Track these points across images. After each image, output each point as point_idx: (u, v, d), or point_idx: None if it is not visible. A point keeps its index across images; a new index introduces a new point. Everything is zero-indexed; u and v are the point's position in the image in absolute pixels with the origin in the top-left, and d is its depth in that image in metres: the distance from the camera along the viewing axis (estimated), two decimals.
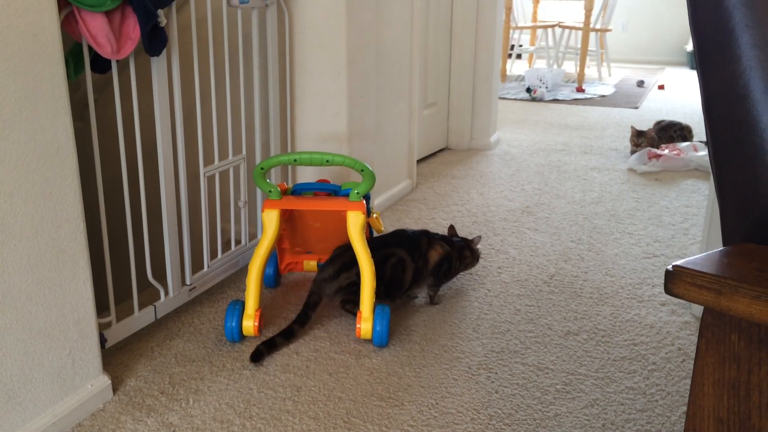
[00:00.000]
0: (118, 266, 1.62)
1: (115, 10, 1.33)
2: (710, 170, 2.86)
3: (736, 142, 0.55)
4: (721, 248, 0.55)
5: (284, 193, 1.74)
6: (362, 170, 1.62)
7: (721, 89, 0.55)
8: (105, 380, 1.41)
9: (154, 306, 1.65)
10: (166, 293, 1.68)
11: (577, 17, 6.63)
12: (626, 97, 5.38)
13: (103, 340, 1.44)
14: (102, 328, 1.46)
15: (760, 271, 0.49)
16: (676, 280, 0.51)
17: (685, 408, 1.41)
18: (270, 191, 1.67)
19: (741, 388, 0.49)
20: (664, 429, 1.35)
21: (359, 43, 2.22)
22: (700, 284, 0.49)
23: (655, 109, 4.96)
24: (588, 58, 6.05)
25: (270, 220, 1.65)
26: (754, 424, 0.49)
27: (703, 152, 3.33)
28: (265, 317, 1.76)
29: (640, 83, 6.08)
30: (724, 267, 0.50)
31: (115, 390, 1.45)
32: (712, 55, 0.56)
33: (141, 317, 1.61)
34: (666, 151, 3.28)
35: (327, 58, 2.15)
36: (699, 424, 0.52)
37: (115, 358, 1.57)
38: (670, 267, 0.52)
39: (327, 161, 1.60)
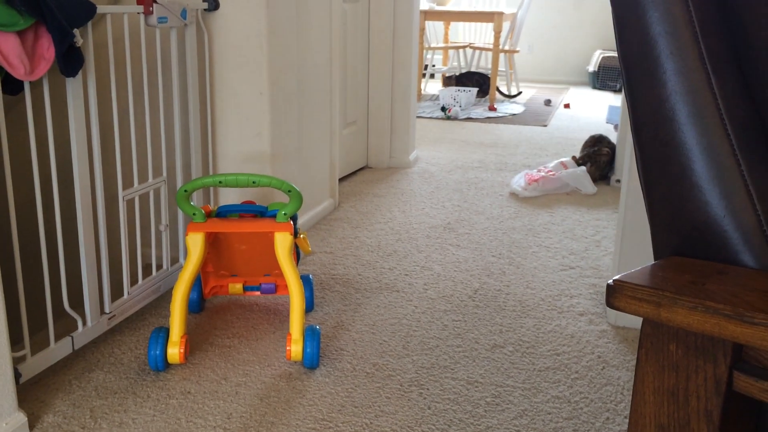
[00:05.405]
0: (33, 295, 1.54)
1: (28, 30, 1.28)
2: (587, 190, 3.05)
3: (664, 161, 0.59)
4: (654, 262, 0.59)
5: (209, 215, 1.70)
6: (289, 191, 1.61)
7: (649, 112, 0.59)
8: (21, 418, 1.33)
9: (72, 337, 1.57)
10: (84, 323, 1.61)
11: (486, 38, 6.86)
12: (535, 116, 5.59)
13: (17, 375, 1.36)
14: (16, 362, 1.38)
15: (693, 284, 0.53)
16: (617, 294, 0.54)
17: (608, 414, 1.47)
18: (194, 214, 1.63)
19: (680, 395, 0.53)
20: None
21: (281, 63, 2.21)
22: (641, 297, 0.52)
23: (562, 126, 5.17)
24: (498, 77, 6.26)
25: (195, 244, 1.61)
26: (693, 429, 0.52)
27: (572, 169, 3.29)
28: (190, 343, 1.71)
29: (548, 102, 6.33)
30: (661, 280, 0.53)
31: (31, 427, 1.36)
32: (639, 81, 0.60)
33: (57, 349, 1.53)
34: (542, 173, 3.23)
35: (248, 78, 2.13)
36: (641, 431, 0.54)
37: (31, 393, 1.48)
38: (611, 281, 0.54)
39: (253, 182, 1.58)
